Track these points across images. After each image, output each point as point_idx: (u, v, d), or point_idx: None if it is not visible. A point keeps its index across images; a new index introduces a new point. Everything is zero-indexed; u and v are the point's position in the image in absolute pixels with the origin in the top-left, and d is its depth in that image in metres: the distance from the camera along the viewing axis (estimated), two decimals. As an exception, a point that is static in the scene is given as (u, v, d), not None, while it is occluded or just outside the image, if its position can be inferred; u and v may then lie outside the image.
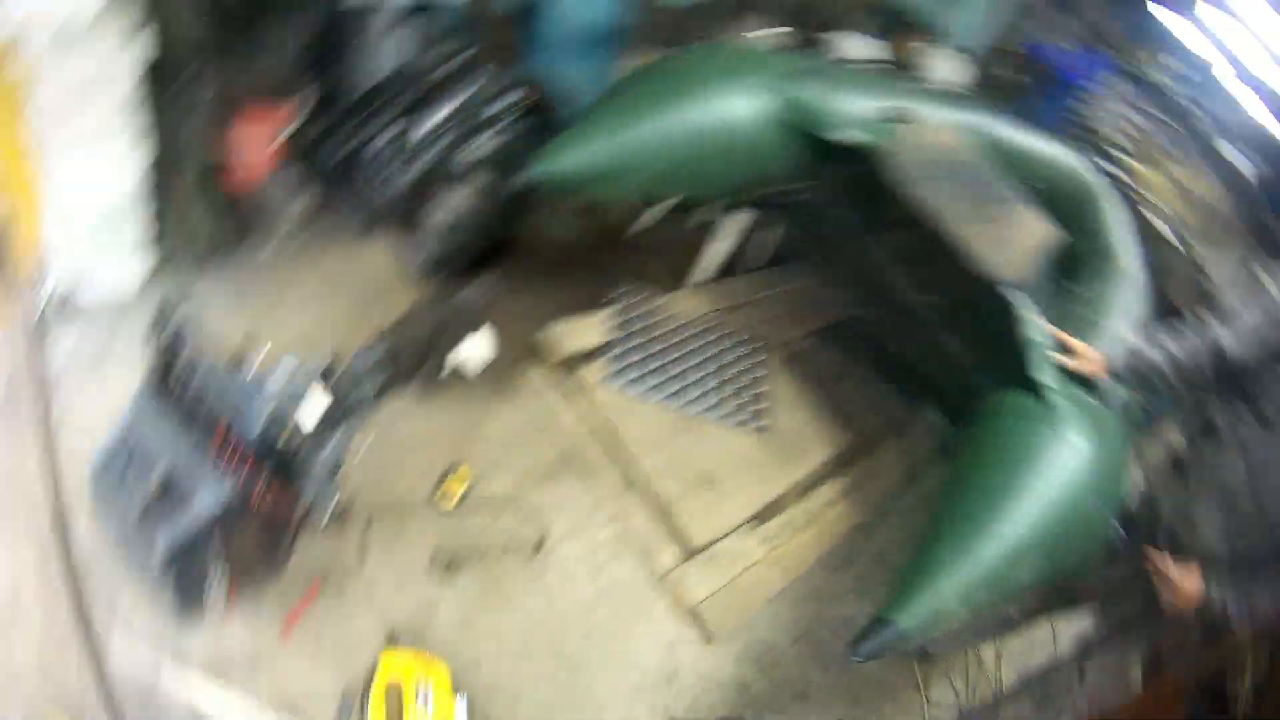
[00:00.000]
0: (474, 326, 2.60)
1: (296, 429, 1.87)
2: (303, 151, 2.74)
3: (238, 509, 1.79)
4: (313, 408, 1.91)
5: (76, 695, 1.96)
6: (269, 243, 2.90)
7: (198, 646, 2.06)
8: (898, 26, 3.95)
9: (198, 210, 2.65)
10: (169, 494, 1.76)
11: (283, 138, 2.75)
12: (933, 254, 2.43)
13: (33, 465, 2.27)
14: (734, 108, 2.46)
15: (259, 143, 2.70)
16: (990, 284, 2.34)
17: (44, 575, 2.12)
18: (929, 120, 2.65)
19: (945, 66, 3.89)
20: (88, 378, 2.47)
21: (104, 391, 2.37)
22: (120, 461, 1.84)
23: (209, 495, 1.75)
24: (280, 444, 1.84)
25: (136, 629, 2.06)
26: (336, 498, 1.93)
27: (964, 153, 2.65)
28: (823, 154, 2.53)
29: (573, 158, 2.33)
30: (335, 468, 1.95)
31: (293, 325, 2.72)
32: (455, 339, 2.57)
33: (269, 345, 1.94)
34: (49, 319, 2.53)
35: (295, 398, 1.89)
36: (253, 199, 2.84)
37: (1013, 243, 2.47)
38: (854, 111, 2.53)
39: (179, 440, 1.82)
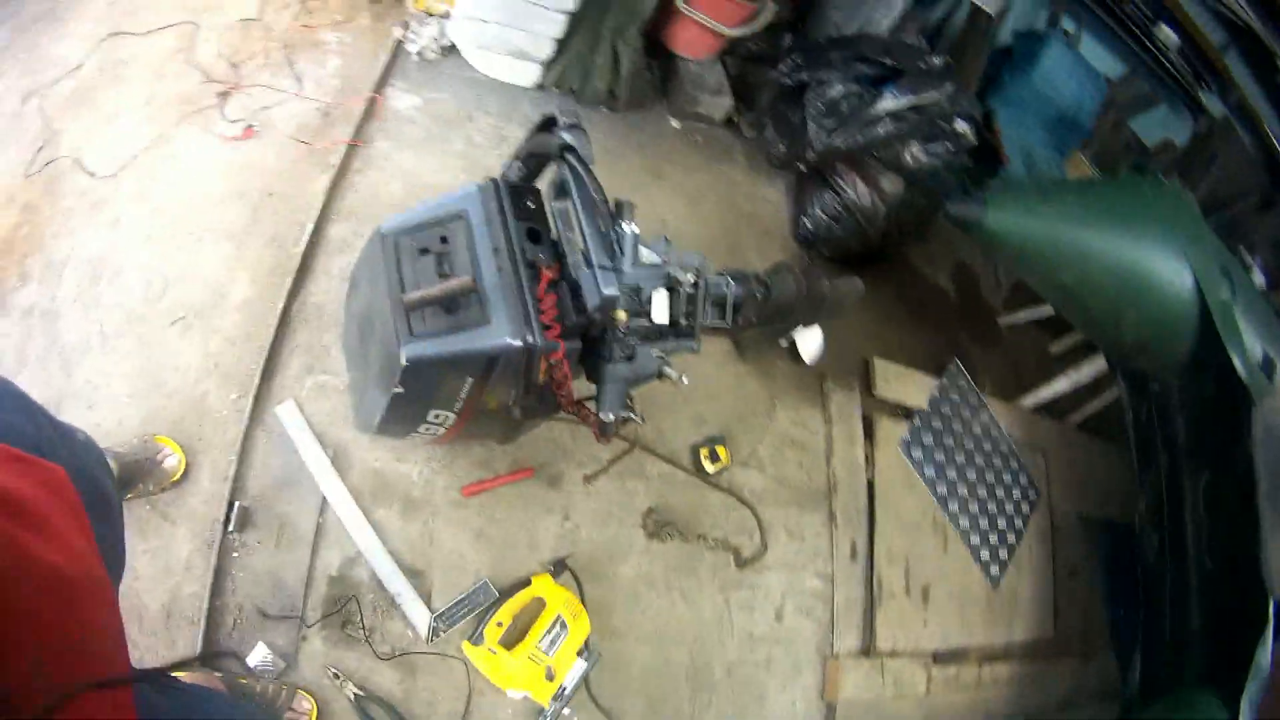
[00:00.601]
0: (830, 315, 2.46)
1: (634, 319, 1.58)
2: (754, 55, 2.64)
3: (514, 368, 1.49)
4: (663, 303, 1.63)
5: (217, 418, 1.92)
6: (672, 120, 2.83)
7: (363, 454, 1.98)
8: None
9: (619, 50, 2.58)
10: (453, 308, 1.43)
11: (743, 30, 2.66)
12: (1229, 518, 2.37)
13: (319, 186, 2.26)
14: (1159, 266, 2.40)
15: (719, 19, 2.61)
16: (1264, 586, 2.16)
17: (262, 289, 2.09)
18: None
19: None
20: (425, 136, 2.46)
21: (428, 161, 2.39)
22: (416, 245, 1.52)
23: (493, 339, 1.43)
24: (601, 328, 1.56)
25: (311, 400, 2.00)
26: (622, 416, 1.61)
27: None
28: (1202, 357, 2.46)
29: (1018, 223, 2.32)
30: (637, 382, 1.65)
31: (658, 214, 2.63)
32: (811, 317, 2.43)
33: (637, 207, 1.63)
34: (423, 57, 2.52)
35: (655, 280, 1.60)
36: (683, 71, 2.76)
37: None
38: (1249, 345, 2.44)
39: (501, 261, 1.50)
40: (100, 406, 1.89)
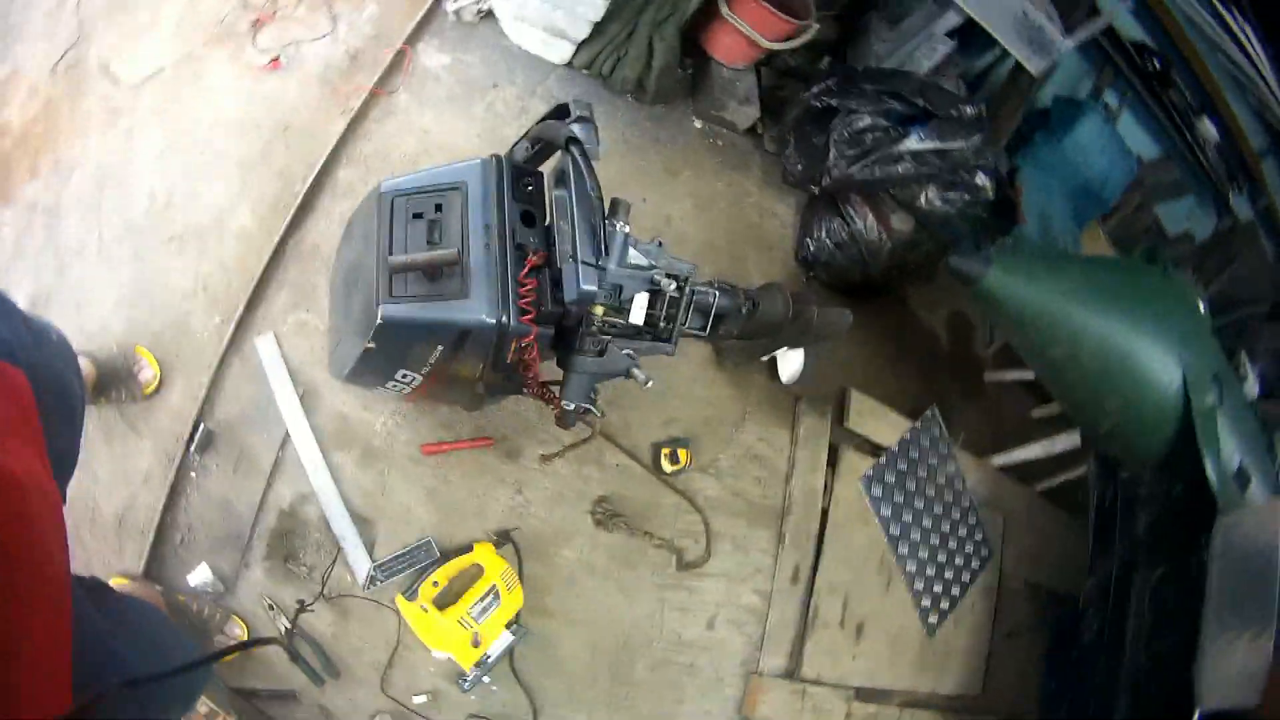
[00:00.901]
0: (814, 342, 2.52)
1: (609, 315, 1.64)
2: (790, 70, 2.68)
3: (485, 344, 1.56)
4: (642, 305, 1.72)
5: (197, 339, 2.00)
6: (695, 120, 2.87)
7: (332, 397, 2.05)
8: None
9: (654, 43, 2.61)
10: (435, 276, 1.49)
11: (783, 46, 2.70)
12: (1172, 620, 2.43)
13: (335, 129, 2.30)
14: (1150, 359, 2.44)
15: (761, 30, 2.64)
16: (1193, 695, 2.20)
17: (261, 221, 2.16)
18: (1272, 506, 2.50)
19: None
20: (448, 96, 2.52)
21: (446, 122, 2.44)
22: (411, 209, 1.57)
23: (469, 314, 1.49)
24: (576, 320, 1.61)
25: (291, 336, 2.08)
26: (584, 408, 1.72)
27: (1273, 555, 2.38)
28: (1177, 458, 2.50)
29: (1018, 289, 2.34)
30: (603, 377, 1.74)
31: (665, 211, 2.68)
32: (795, 340, 2.49)
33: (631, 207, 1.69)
34: (460, 18, 2.58)
35: (639, 282, 1.66)
36: (715, 74, 2.80)
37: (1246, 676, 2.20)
38: (1226, 454, 2.48)
39: (490, 239, 1.56)
40: (87, 309, 1.97)
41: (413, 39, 2.51)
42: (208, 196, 2.15)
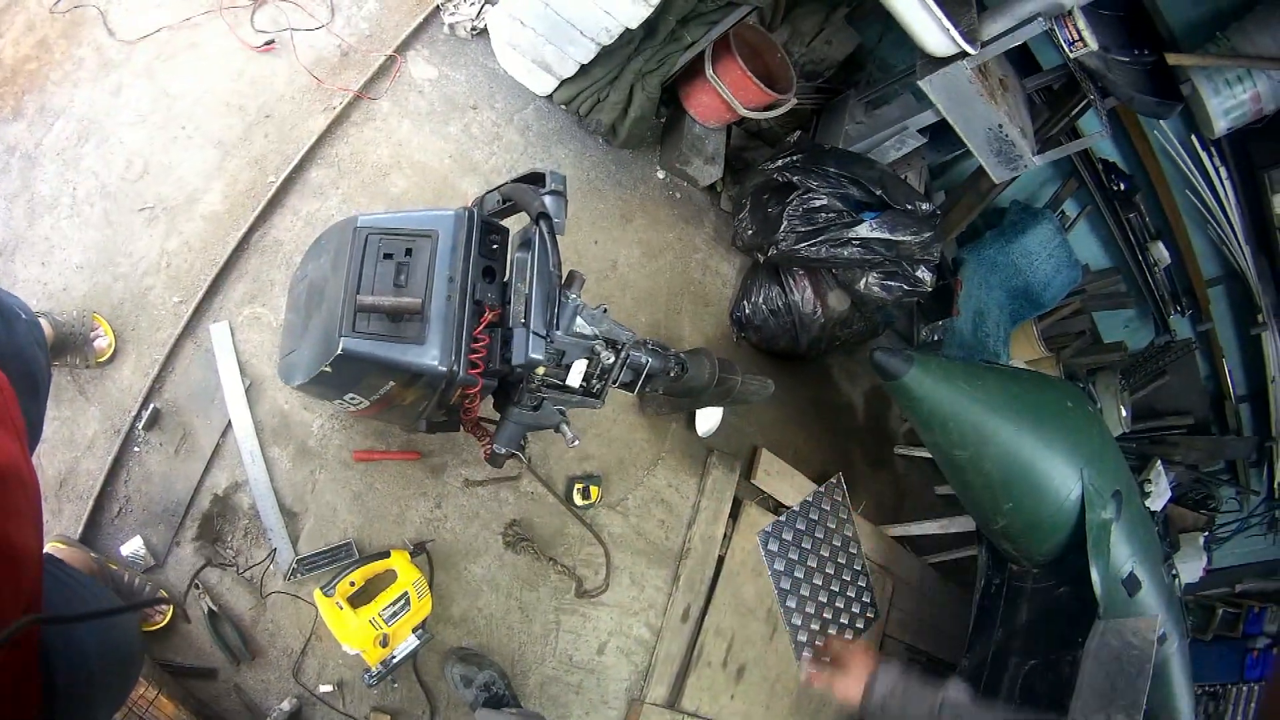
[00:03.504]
0: (734, 405, 2.92)
1: (549, 375, 1.97)
2: (760, 133, 3.04)
3: (433, 387, 1.86)
4: (580, 371, 2.04)
5: (154, 315, 2.28)
6: (658, 170, 3.22)
7: (275, 393, 2.37)
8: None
9: (635, 93, 2.95)
10: (397, 319, 1.79)
11: (759, 115, 3.08)
12: (1041, 703, 2.80)
13: (315, 125, 2.59)
14: (1052, 473, 2.74)
15: (740, 97, 3.01)
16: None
17: (232, 206, 2.44)
18: (1147, 609, 2.90)
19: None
20: (428, 111, 2.82)
21: (422, 138, 2.72)
22: (383, 249, 1.86)
23: (423, 359, 1.80)
24: (520, 377, 1.93)
25: (244, 328, 2.37)
26: (513, 452, 2.06)
27: (1144, 656, 2.74)
28: (1066, 562, 2.85)
29: (934, 391, 2.63)
30: (534, 428, 2.08)
31: (612, 256, 3.04)
32: (716, 402, 2.89)
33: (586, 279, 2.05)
34: (454, 32, 2.90)
35: (580, 349, 2.00)
36: (687, 128, 3.16)
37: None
38: (1117, 562, 2.81)
39: (452, 291, 1.85)
40: (53, 266, 2.22)
41: (405, 45, 2.81)
42: (183, 172, 2.41)
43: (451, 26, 2.89)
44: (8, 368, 1.09)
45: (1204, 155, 3.74)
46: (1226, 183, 3.77)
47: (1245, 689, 4.87)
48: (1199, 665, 3.43)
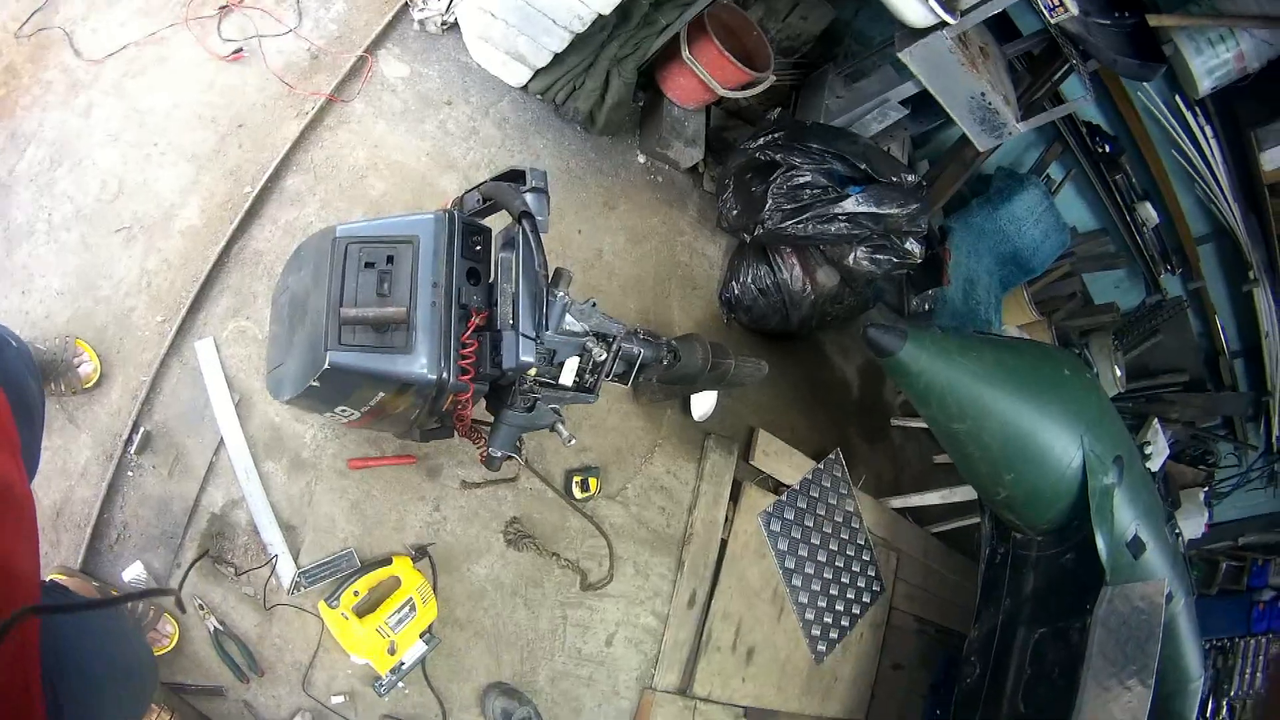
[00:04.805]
0: (728, 389, 2.93)
1: (541, 375, 1.97)
2: (739, 112, 3.02)
3: (424, 395, 1.84)
4: (573, 369, 2.04)
5: (139, 336, 2.27)
6: (639, 154, 3.21)
7: (265, 407, 2.37)
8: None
9: (611, 79, 2.94)
10: (383, 329, 1.76)
11: (738, 95, 3.06)
12: (1051, 678, 2.79)
13: (288, 132, 2.56)
14: (1052, 442, 2.75)
15: (718, 77, 3.00)
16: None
17: (210, 220, 2.42)
18: (1153, 571, 2.94)
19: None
20: (403, 110, 2.80)
21: (398, 137, 2.70)
22: (364, 257, 1.83)
23: (411, 369, 1.77)
24: (512, 379, 1.92)
25: (230, 342, 2.37)
26: (508, 455, 2.06)
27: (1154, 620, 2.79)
28: (1071, 529, 2.88)
29: (930, 365, 2.62)
30: (529, 429, 2.08)
31: (598, 244, 3.03)
32: (710, 387, 2.90)
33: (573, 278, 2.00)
34: (424, 28, 2.88)
35: (572, 347, 2.00)
36: (666, 111, 3.15)
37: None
38: (1121, 526, 2.84)
39: (436, 297, 1.82)
40: (33, 294, 2.21)
41: (376, 45, 2.79)
42: (158, 189, 2.39)
43: (421, 23, 2.86)
44: (7, 393, 1.09)
45: (1189, 115, 3.73)
46: (1213, 141, 3.77)
47: (1253, 642, 4.93)
48: (1206, 620, 3.47)
